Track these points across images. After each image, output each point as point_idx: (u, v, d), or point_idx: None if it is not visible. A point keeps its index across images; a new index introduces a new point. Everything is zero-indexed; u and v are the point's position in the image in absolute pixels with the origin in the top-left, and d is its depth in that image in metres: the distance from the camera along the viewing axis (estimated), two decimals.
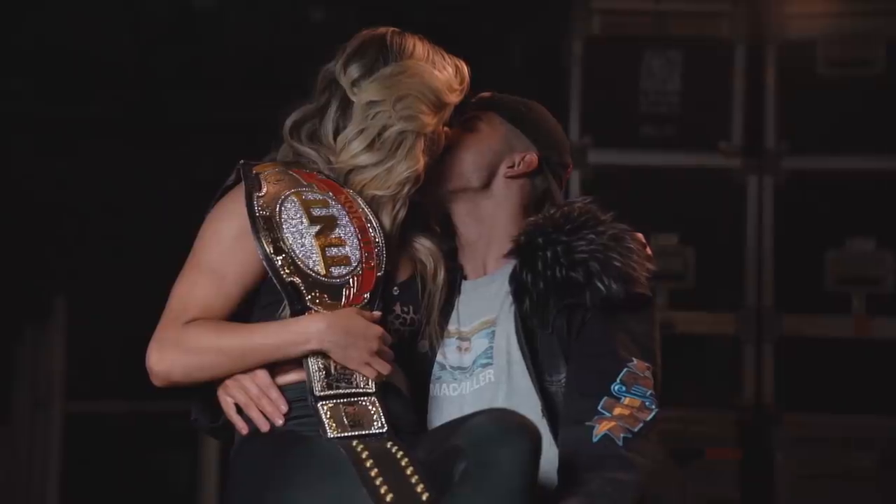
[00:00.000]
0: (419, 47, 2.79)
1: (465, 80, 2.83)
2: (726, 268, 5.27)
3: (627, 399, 2.69)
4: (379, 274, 2.69)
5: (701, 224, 5.27)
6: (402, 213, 2.76)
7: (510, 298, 2.79)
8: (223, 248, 2.67)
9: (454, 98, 2.80)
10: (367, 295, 2.67)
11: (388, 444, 2.57)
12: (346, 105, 2.76)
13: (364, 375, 2.63)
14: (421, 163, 2.74)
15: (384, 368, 2.64)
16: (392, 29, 2.81)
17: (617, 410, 2.67)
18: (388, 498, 2.48)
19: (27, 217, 5.72)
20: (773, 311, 5.23)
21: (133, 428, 5.92)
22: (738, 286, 5.26)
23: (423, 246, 2.83)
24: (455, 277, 2.87)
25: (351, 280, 2.66)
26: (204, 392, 2.70)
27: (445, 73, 2.79)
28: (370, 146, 2.73)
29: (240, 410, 2.65)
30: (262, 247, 2.64)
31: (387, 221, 2.74)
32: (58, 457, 5.95)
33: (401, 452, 2.55)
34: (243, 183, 2.70)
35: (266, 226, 2.65)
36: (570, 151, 2.99)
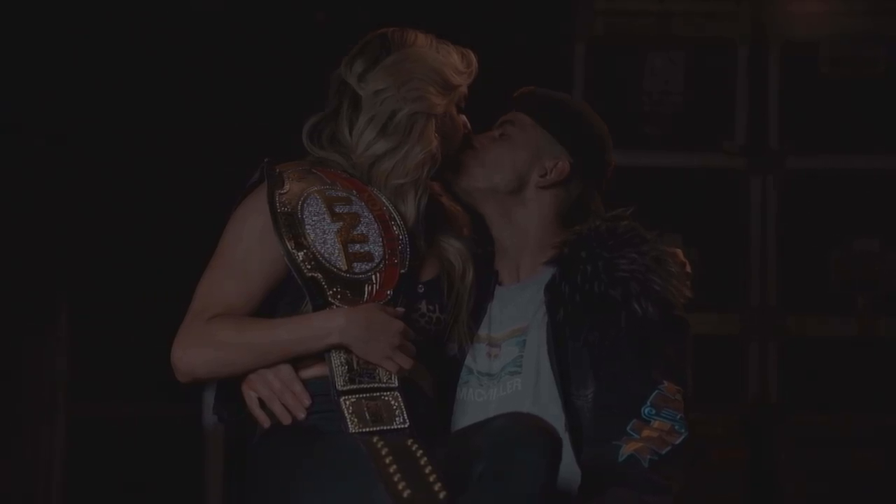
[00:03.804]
0: (421, 37, 2.81)
1: (473, 64, 2.83)
2: (730, 268, 5.28)
3: (657, 422, 2.68)
4: (402, 271, 2.69)
5: (704, 224, 5.27)
6: (424, 200, 2.76)
7: (544, 308, 2.78)
8: (246, 246, 2.68)
9: (461, 80, 2.81)
10: (389, 291, 2.67)
11: (409, 442, 2.56)
12: (356, 102, 2.77)
13: (386, 370, 2.63)
14: (434, 143, 2.75)
15: (406, 363, 2.64)
16: (392, 27, 2.83)
17: (645, 433, 2.67)
18: (406, 494, 2.47)
19: (31, 218, 5.69)
20: (778, 311, 5.24)
21: (137, 431, 5.90)
22: (742, 286, 5.26)
23: (452, 246, 2.83)
24: (488, 281, 2.86)
25: (373, 276, 2.67)
26: (226, 386, 2.70)
27: (450, 57, 2.81)
28: (382, 132, 2.73)
29: (263, 405, 2.65)
30: (284, 243, 2.65)
31: (411, 210, 2.74)
32: (62, 459, 5.92)
33: (420, 450, 2.54)
34: (266, 181, 2.71)
35: (287, 222, 2.66)
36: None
